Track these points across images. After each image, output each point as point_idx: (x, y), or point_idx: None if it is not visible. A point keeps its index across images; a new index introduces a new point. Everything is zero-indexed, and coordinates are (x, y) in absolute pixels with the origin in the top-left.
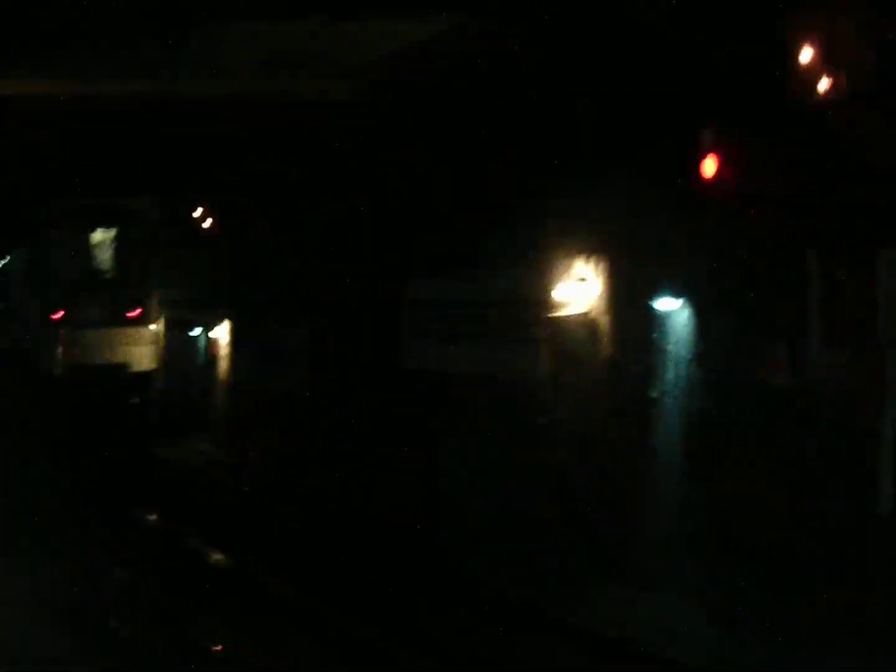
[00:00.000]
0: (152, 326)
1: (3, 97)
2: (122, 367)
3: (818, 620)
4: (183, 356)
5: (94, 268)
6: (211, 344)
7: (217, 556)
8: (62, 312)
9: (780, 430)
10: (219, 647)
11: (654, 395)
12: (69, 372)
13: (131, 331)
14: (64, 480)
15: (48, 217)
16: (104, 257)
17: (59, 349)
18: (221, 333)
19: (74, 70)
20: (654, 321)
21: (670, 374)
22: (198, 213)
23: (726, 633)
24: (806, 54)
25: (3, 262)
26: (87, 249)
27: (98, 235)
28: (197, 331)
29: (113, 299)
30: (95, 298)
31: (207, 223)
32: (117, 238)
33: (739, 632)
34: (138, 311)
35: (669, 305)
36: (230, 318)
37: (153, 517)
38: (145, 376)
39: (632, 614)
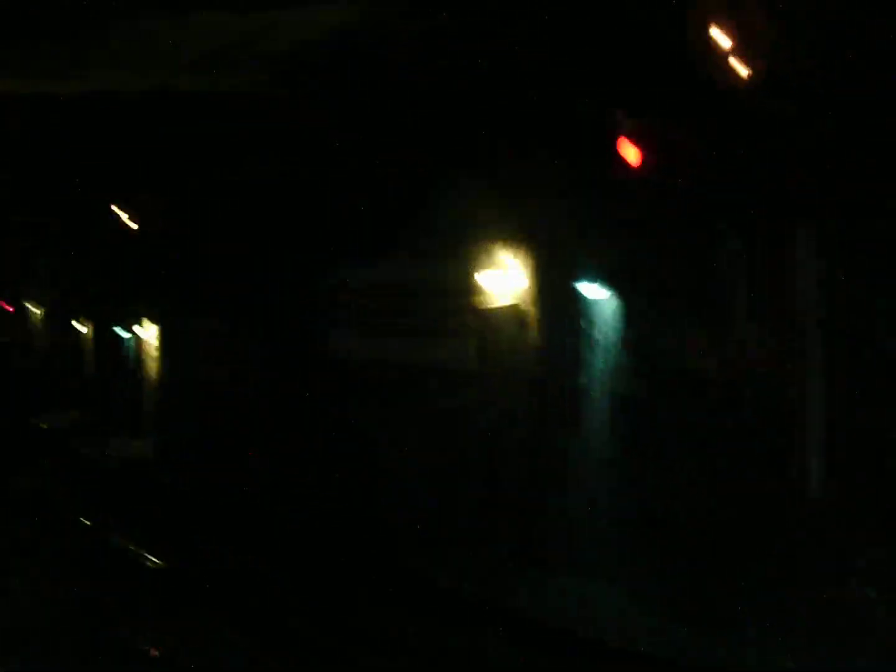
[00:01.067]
0: None
1: None
2: None
3: (748, 603)
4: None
5: None
6: (137, 343)
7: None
8: None
9: (708, 412)
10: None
11: (583, 381)
12: None
13: None
14: None
15: None
16: None
17: None
18: (148, 333)
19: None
20: (581, 308)
21: (599, 361)
22: (116, 210)
23: (656, 617)
24: (725, 40)
25: None
26: None
27: None
28: (121, 331)
29: None
30: None
31: (126, 219)
32: None
33: (670, 616)
34: None
35: (596, 292)
36: (155, 318)
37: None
38: None
39: (563, 601)
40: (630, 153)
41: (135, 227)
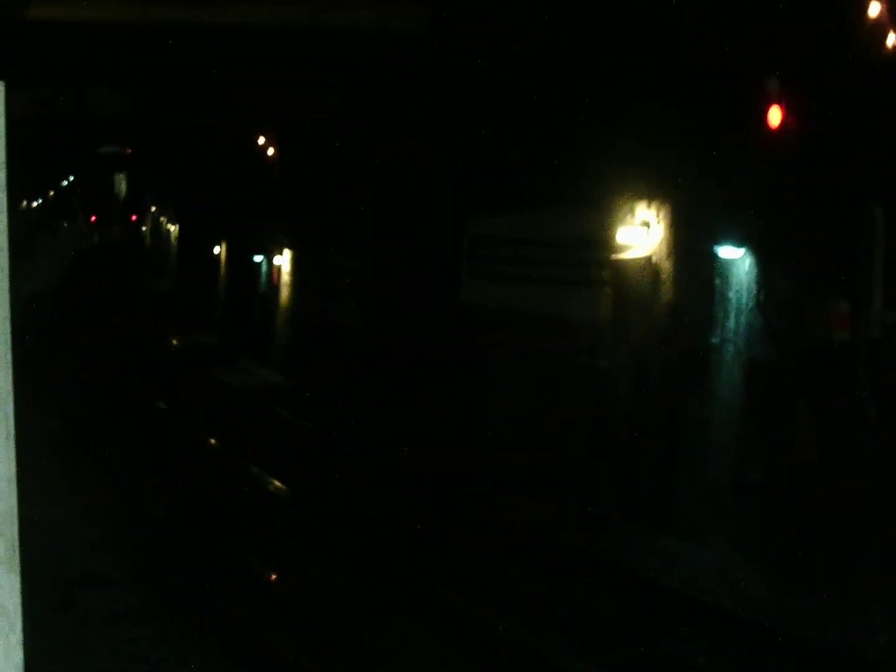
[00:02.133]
0: None
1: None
2: None
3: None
4: (244, 282)
5: None
6: (271, 270)
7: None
8: None
9: (838, 384)
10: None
11: (715, 341)
12: None
13: None
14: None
15: None
16: None
17: None
18: (283, 261)
19: None
20: (716, 268)
21: (731, 322)
22: (261, 141)
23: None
24: (874, 8)
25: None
26: None
27: None
28: (259, 258)
29: None
30: None
31: (270, 152)
32: None
33: (789, 584)
34: None
35: (732, 254)
36: (291, 247)
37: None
38: None
39: (677, 563)
40: (775, 117)
41: (276, 157)
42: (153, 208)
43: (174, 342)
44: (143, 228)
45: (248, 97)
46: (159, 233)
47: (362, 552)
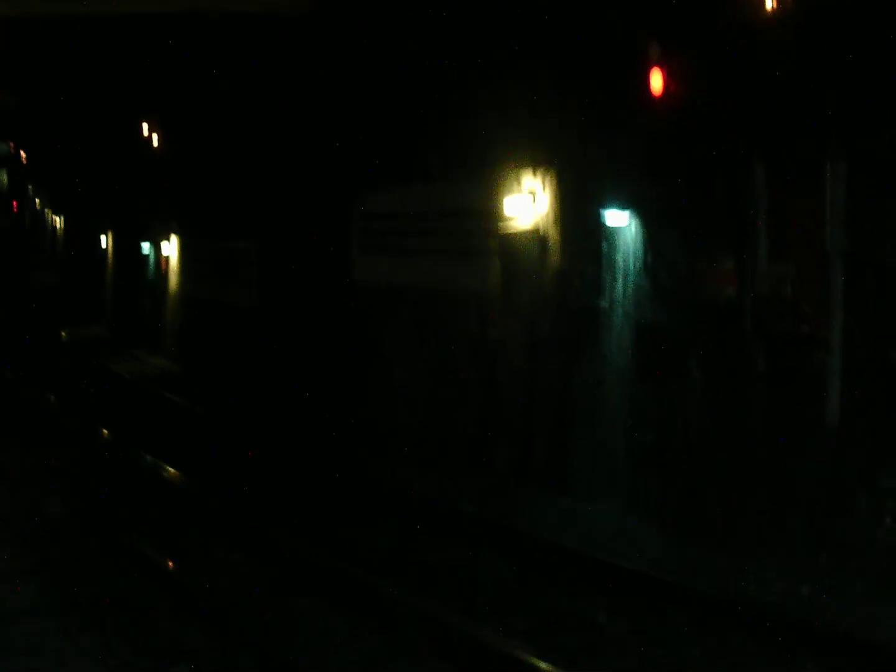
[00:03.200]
0: None
1: None
2: None
3: (756, 527)
4: (132, 272)
5: None
6: (160, 259)
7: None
8: None
9: (727, 341)
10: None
11: (604, 305)
12: None
13: None
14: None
15: None
16: None
17: None
18: (171, 249)
19: None
20: (604, 234)
21: (619, 286)
22: (146, 129)
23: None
24: None
25: None
26: None
27: None
28: (146, 246)
29: None
30: None
31: (155, 140)
32: None
33: (670, 536)
34: None
35: (618, 219)
36: (179, 234)
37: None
38: None
39: (574, 524)
40: (657, 81)
41: (161, 143)
42: (37, 200)
43: (63, 335)
44: (27, 221)
45: (133, 85)
46: (45, 225)
47: (259, 533)
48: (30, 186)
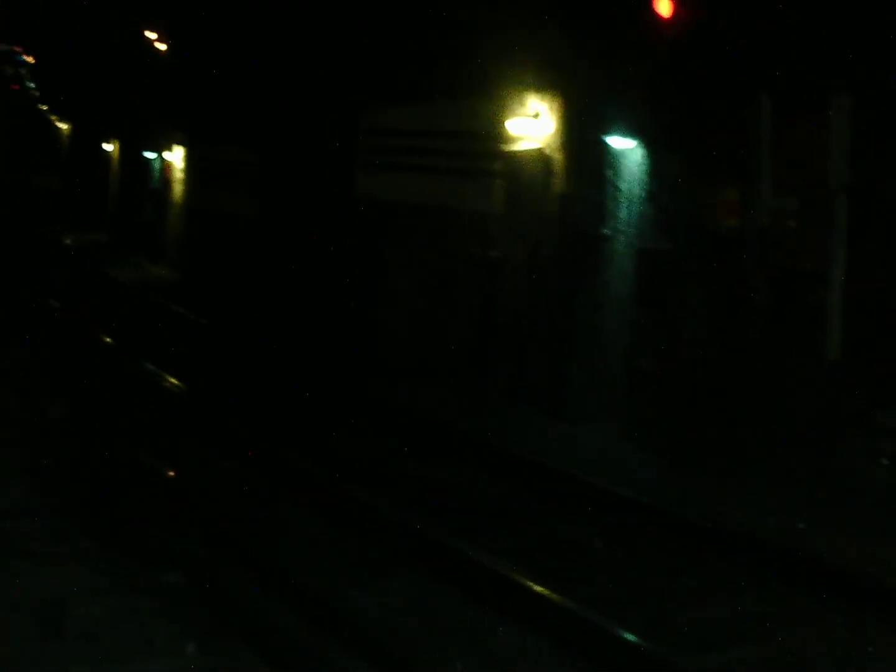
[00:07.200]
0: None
1: None
2: None
3: (749, 459)
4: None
5: None
6: (164, 168)
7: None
8: None
9: (729, 272)
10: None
11: (606, 231)
12: None
13: None
14: None
15: None
16: None
17: None
18: (175, 157)
19: None
20: (608, 159)
21: (622, 212)
22: (152, 36)
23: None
24: None
25: None
26: None
27: None
28: (151, 154)
29: None
30: None
31: (162, 47)
32: None
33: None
34: None
35: (624, 144)
36: (183, 142)
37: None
38: None
39: (569, 448)
40: (664, 6)
41: (168, 51)
42: (45, 107)
43: (66, 241)
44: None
45: None
46: (49, 131)
47: (255, 443)
48: (38, 91)
